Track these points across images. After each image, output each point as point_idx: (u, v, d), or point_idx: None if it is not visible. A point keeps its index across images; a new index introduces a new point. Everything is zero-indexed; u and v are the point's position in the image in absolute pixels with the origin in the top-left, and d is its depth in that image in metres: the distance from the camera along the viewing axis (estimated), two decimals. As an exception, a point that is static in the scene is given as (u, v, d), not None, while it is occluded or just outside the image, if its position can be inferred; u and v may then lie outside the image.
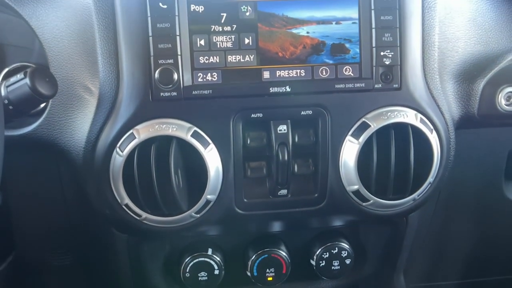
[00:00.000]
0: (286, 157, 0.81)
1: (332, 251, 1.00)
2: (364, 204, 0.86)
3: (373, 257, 1.08)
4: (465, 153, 1.01)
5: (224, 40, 0.80)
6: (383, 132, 0.82)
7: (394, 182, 0.82)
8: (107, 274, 1.09)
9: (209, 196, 0.81)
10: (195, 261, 0.95)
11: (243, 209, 0.86)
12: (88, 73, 0.81)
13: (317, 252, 1.00)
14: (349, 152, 0.83)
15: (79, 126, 0.83)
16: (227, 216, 0.86)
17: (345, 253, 1.00)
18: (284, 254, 0.98)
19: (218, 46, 0.80)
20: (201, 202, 0.81)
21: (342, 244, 1.00)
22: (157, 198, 0.78)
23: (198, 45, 0.79)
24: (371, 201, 0.85)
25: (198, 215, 0.83)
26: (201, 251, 0.96)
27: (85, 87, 0.82)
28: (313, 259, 1.01)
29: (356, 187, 0.84)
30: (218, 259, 0.96)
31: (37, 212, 1.04)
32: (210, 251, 0.97)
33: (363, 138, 0.82)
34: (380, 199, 0.85)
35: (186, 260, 0.96)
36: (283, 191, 0.86)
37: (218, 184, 0.82)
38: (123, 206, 0.81)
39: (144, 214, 0.81)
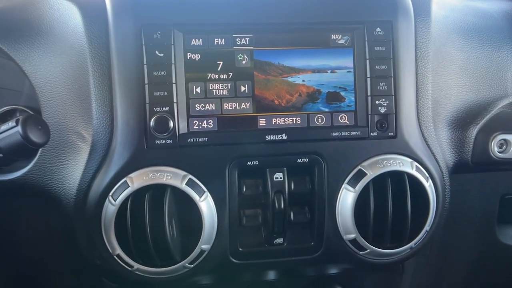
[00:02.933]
0: (282, 205, 0.80)
1: (328, 298, 0.98)
2: (361, 253, 0.85)
3: None
4: (458, 197, 1.01)
5: (220, 88, 0.80)
6: (379, 180, 0.81)
7: (391, 230, 0.81)
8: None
9: (203, 246, 0.79)
10: (187, 310, 0.92)
11: (238, 258, 0.84)
12: (81, 119, 0.80)
13: (312, 300, 0.98)
14: (346, 200, 0.82)
15: (71, 173, 0.81)
16: (222, 266, 0.83)
17: (341, 301, 0.98)
18: (277, 303, 0.96)
19: (214, 93, 0.80)
20: (195, 252, 0.79)
21: None
22: (150, 249, 0.75)
23: (194, 93, 0.79)
24: (368, 250, 0.84)
25: (192, 266, 0.80)
26: None
27: (78, 134, 0.81)
28: (307, 307, 0.99)
29: (353, 235, 0.83)
30: None
31: (24, 259, 1.00)
32: (202, 300, 0.94)
33: (359, 186, 0.81)
34: (377, 248, 0.84)
35: (178, 310, 0.92)
36: (279, 240, 0.84)
37: (212, 233, 0.80)
38: (115, 256, 0.78)
39: (136, 265, 0.78)
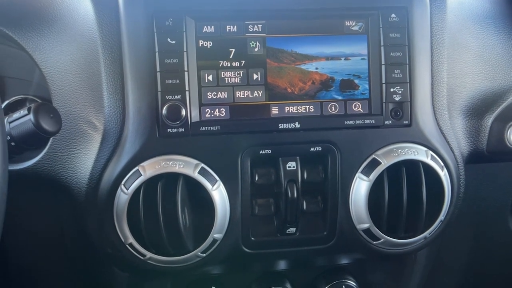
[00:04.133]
0: (295, 195, 0.79)
1: (339, 289, 0.97)
2: (374, 242, 0.84)
3: None
4: (471, 187, 1.00)
5: (233, 76, 0.79)
6: (394, 169, 0.80)
7: (406, 220, 0.80)
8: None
9: (216, 235, 0.78)
10: (197, 300, 0.92)
11: (250, 247, 0.83)
12: (92, 108, 0.80)
13: (324, 291, 0.97)
14: (359, 189, 0.81)
15: (82, 162, 0.81)
16: (234, 255, 0.83)
17: (352, 291, 0.97)
18: (288, 292, 0.95)
19: (227, 81, 0.79)
20: (208, 241, 0.78)
21: (349, 282, 0.97)
22: (163, 238, 0.75)
23: (206, 81, 0.78)
24: (382, 239, 0.83)
25: (204, 255, 0.80)
26: None
27: (89, 122, 0.80)
28: (319, 298, 0.98)
29: (366, 225, 0.82)
30: None
31: (34, 250, 1.00)
32: (213, 290, 0.94)
33: (373, 175, 0.80)
34: (391, 237, 0.83)
35: (188, 299, 0.92)
36: (292, 229, 0.83)
37: (225, 223, 0.79)
38: (127, 245, 0.78)
39: (149, 254, 0.78)
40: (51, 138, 0.82)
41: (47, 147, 0.82)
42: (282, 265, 0.96)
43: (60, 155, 0.82)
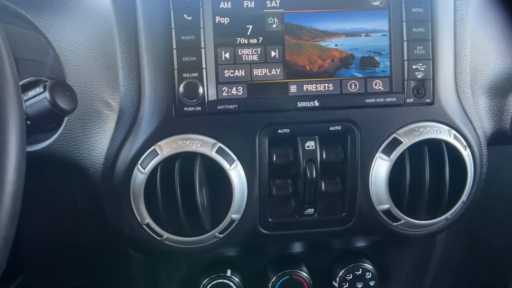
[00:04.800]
0: (314, 175, 0.78)
1: (356, 272, 0.96)
2: (394, 224, 0.82)
3: (397, 279, 1.04)
4: (491, 169, 0.98)
5: (250, 53, 0.77)
6: (415, 149, 0.78)
7: (428, 201, 0.79)
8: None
9: (233, 216, 0.77)
10: (213, 282, 0.91)
11: (267, 229, 0.82)
12: (107, 87, 0.78)
13: (340, 274, 0.96)
14: (380, 169, 0.79)
15: (98, 142, 0.80)
16: (251, 237, 0.82)
17: (369, 275, 0.96)
18: (305, 275, 0.94)
19: (244, 59, 0.77)
20: (225, 221, 0.77)
21: (366, 265, 0.95)
22: (181, 218, 0.74)
23: (223, 58, 0.77)
24: (402, 221, 0.81)
25: (221, 235, 0.79)
26: (219, 272, 0.92)
27: (105, 102, 0.79)
28: (335, 281, 0.97)
29: (386, 206, 0.80)
30: (237, 280, 0.92)
31: (49, 232, 1.00)
32: (229, 272, 0.93)
33: (394, 154, 0.78)
34: (412, 219, 0.81)
35: (204, 282, 0.91)
36: (310, 210, 0.82)
37: (242, 203, 0.78)
38: (144, 226, 0.77)
39: (166, 234, 0.77)
40: (65, 119, 0.81)
41: (61, 128, 0.81)
42: (298, 247, 0.95)
43: (75, 136, 0.81)
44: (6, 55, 0.55)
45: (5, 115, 0.54)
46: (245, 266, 0.96)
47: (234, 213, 0.77)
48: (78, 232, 0.98)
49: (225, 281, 0.92)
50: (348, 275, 0.95)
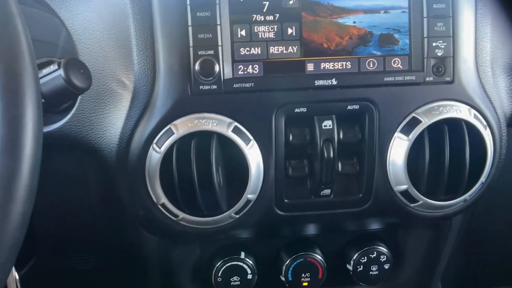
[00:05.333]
0: (331, 154, 0.76)
1: (371, 255, 0.95)
2: (412, 205, 0.81)
3: (411, 262, 1.03)
4: (506, 153, 0.97)
5: (266, 30, 0.75)
6: (434, 128, 0.77)
7: (447, 181, 0.77)
8: (132, 279, 1.04)
9: (249, 196, 0.76)
10: (227, 265, 0.91)
11: (283, 210, 0.81)
12: (121, 66, 0.77)
13: (354, 257, 0.95)
14: (398, 149, 0.78)
15: (111, 122, 0.79)
16: (266, 218, 0.81)
17: (384, 258, 0.95)
18: (320, 258, 0.93)
19: (260, 36, 0.75)
20: (242, 202, 0.76)
21: (381, 248, 0.95)
22: (197, 197, 0.73)
23: (239, 36, 0.75)
24: (420, 201, 0.80)
25: (237, 216, 0.78)
26: (233, 254, 0.92)
27: (118, 81, 0.78)
28: (349, 264, 0.96)
29: (404, 186, 0.79)
30: (251, 263, 0.91)
31: (60, 214, 0.99)
32: (242, 255, 0.92)
33: (413, 134, 0.77)
34: (430, 199, 0.80)
35: (218, 264, 0.91)
36: (326, 191, 0.81)
37: (258, 183, 0.77)
38: (159, 206, 0.76)
39: (182, 214, 0.76)
40: (79, 99, 0.80)
41: (74, 108, 0.80)
42: (312, 229, 0.94)
43: (88, 116, 0.80)
44: (22, 28, 0.53)
45: (22, 88, 0.53)
46: (258, 249, 0.96)
47: (250, 193, 0.76)
48: (90, 215, 0.98)
49: (239, 263, 0.91)
50: (362, 258, 0.95)
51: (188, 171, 0.72)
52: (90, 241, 1.04)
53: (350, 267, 0.96)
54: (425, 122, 0.76)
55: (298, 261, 0.93)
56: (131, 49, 0.76)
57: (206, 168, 0.72)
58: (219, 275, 0.91)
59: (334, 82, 0.76)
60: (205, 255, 0.95)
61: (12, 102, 0.52)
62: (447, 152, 0.76)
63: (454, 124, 0.77)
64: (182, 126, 0.73)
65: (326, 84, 0.76)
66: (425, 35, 0.77)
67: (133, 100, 0.76)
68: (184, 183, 0.73)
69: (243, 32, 0.75)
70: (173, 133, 0.73)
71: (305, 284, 0.94)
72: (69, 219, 1.00)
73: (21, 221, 0.53)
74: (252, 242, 0.95)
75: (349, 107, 0.77)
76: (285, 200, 0.81)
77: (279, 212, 0.81)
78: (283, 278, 0.94)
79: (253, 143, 0.75)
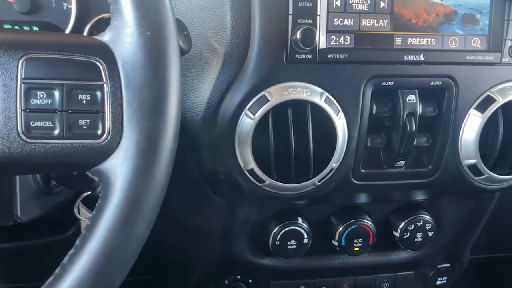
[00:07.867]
0: (414, 128, 0.80)
1: (417, 223, 1.00)
2: (476, 178, 0.86)
3: (449, 232, 1.09)
4: None
5: (360, 2, 0.76)
6: (508, 107, 0.81)
7: None
8: (190, 242, 1.05)
9: (334, 165, 0.79)
10: (286, 229, 0.94)
11: (358, 179, 0.84)
12: (213, 29, 0.76)
13: (401, 225, 1.00)
14: (472, 125, 0.82)
15: (197, 86, 0.78)
16: (341, 186, 0.84)
17: (429, 226, 1.01)
18: (371, 224, 0.98)
19: (354, 8, 0.76)
20: (327, 170, 0.78)
21: (426, 216, 1.00)
22: (292, 164, 0.75)
23: (334, 6, 0.75)
24: (485, 175, 0.85)
25: (319, 183, 0.81)
26: (290, 219, 0.95)
27: (208, 45, 0.77)
28: (396, 231, 1.01)
29: (473, 161, 0.84)
30: (307, 227, 0.95)
31: None
32: (300, 220, 0.95)
33: (487, 112, 0.81)
34: (495, 174, 0.85)
35: (276, 229, 0.94)
36: (401, 163, 0.84)
37: (342, 153, 0.80)
38: (245, 171, 0.77)
39: (268, 180, 0.78)
40: None
41: None
42: (367, 198, 0.98)
43: None
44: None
45: (168, 49, 0.53)
46: (311, 215, 0.99)
47: (335, 162, 0.79)
48: None
49: (296, 228, 0.94)
50: (409, 226, 1.00)
51: (282, 138, 0.74)
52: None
53: (397, 234, 1.01)
54: (499, 100, 0.81)
55: (352, 227, 0.97)
56: (225, 12, 0.75)
57: (302, 136, 0.74)
58: (277, 239, 0.94)
59: (422, 58, 0.79)
60: (262, 219, 0.98)
61: (162, 64, 0.52)
62: None
63: None
64: (277, 94, 0.74)
65: (414, 59, 0.78)
66: (506, 17, 0.80)
67: (224, 66, 0.76)
68: (279, 150, 0.74)
69: (338, 3, 0.75)
70: (268, 100, 0.74)
71: (356, 249, 0.99)
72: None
73: (165, 183, 0.54)
74: (305, 208, 0.98)
75: (432, 83, 0.80)
76: (362, 170, 0.84)
77: (354, 181, 0.84)
78: (335, 243, 0.98)
79: (341, 113, 0.77)
